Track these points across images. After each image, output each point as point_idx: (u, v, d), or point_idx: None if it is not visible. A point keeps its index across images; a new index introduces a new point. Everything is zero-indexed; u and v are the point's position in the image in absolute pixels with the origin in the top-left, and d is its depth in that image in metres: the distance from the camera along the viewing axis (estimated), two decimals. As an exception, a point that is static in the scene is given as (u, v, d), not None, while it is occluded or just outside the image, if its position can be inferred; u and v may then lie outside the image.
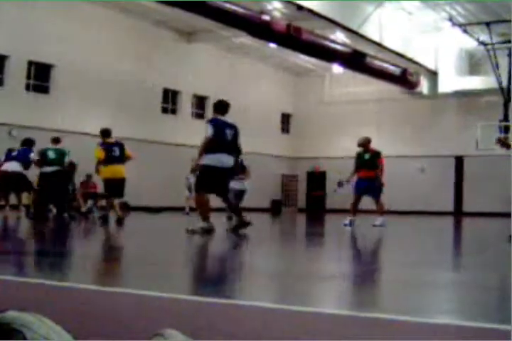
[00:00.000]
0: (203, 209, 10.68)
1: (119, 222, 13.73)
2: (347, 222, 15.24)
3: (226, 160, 10.46)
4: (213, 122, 10.61)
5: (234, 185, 14.70)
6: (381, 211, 15.52)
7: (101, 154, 14.25)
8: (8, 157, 16.93)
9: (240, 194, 17.26)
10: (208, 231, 10.29)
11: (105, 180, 14.46)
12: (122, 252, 7.99)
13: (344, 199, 33.81)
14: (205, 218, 10.49)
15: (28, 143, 16.94)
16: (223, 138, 10.43)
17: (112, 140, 14.56)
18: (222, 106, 11.11)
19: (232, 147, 10.57)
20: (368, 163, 15.73)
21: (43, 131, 24.10)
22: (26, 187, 16.70)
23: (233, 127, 10.74)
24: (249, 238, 10.28)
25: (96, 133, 25.78)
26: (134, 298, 3.75)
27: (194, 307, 3.46)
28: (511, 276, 5.25)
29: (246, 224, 10.77)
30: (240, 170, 14.84)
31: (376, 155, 15.81)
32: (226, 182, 10.75)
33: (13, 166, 16.45)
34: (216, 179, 10.48)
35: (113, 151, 14.31)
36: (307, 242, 11.08)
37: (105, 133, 14.63)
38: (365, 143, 15.99)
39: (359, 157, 16.02)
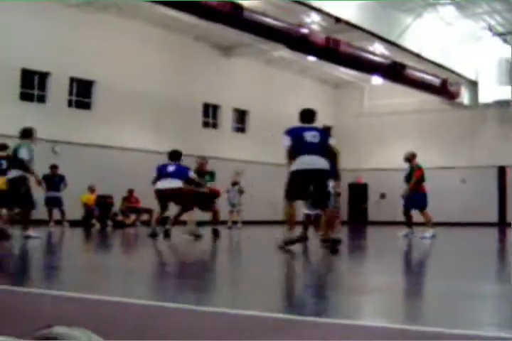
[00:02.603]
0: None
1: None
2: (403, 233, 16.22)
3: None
4: None
5: None
6: (409, 223, 16.36)
7: None
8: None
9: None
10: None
11: None
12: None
13: (386, 211, 33.52)
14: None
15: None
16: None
17: (3, 154, 15.32)
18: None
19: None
20: (409, 177, 16.46)
21: (86, 146, 24.41)
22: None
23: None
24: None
25: (138, 148, 26.03)
26: (173, 311, 3.78)
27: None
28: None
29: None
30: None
31: (414, 168, 16.45)
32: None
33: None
34: None
35: (1, 165, 15.18)
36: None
37: (0, 147, 15.66)
38: (408, 158, 16.68)
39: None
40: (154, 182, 14.78)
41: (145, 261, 8.96)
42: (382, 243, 15.92)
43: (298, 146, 10.31)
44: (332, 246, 9.87)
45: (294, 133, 10.46)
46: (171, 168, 14.77)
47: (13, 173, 13.49)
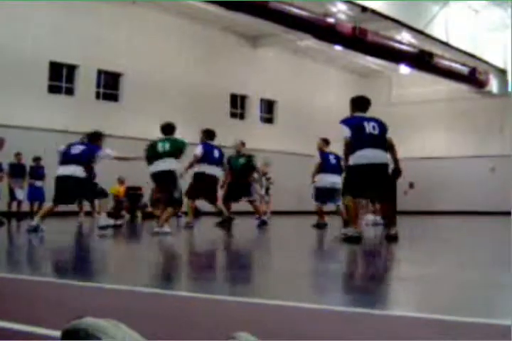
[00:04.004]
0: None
1: None
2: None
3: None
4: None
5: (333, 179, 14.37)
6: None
7: None
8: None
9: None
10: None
11: None
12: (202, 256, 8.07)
13: (414, 201, 33.30)
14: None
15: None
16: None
17: None
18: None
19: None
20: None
21: (113, 138, 24.46)
22: None
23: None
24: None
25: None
26: (205, 302, 3.82)
27: (263, 310, 3.51)
28: None
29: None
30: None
31: None
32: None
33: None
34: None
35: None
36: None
37: None
38: None
39: None
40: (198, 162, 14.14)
41: (186, 251, 9.01)
42: (422, 233, 15.86)
43: (358, 138, 9.31)
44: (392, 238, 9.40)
45: (354, 124, 9.51)
46: (216, 154, 14.43)
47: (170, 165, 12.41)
